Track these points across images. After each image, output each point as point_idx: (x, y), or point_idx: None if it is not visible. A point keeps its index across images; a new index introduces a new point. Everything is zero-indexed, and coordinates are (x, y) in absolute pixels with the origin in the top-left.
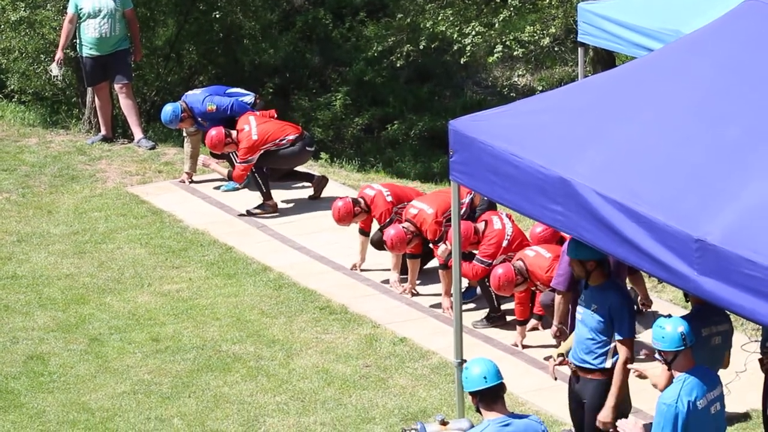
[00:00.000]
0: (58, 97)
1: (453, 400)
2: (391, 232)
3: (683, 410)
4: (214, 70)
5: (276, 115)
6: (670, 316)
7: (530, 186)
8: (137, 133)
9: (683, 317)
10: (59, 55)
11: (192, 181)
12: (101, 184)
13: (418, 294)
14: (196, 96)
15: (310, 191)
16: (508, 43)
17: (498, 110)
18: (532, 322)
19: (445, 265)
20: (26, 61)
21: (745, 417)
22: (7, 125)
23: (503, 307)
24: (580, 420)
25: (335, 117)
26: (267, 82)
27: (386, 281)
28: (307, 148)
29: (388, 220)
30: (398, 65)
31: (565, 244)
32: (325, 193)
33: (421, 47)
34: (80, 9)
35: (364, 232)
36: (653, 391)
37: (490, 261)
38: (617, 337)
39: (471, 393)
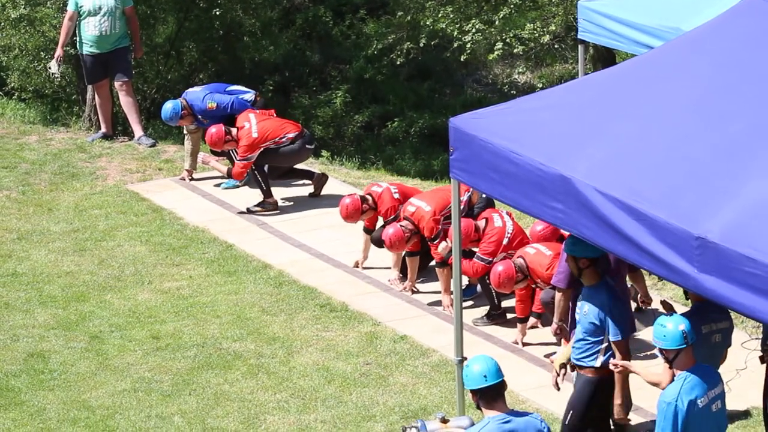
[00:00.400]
0: (59, 95)
1: (453, 398)
2: (389, 231)
3: (683, 408)
4: (214, 68)
5: (275, 114)
6: (671, 314)
7: (530, 183)
8: (137, 130)
9: (683, 315)
10: (59, 52)
11: (192, 179)
12: (101, 181)
13: (418, 291)
14: (196, 93)
15: (311, 189)
16: (508, 40)
17: (498, 108)
18: (532, 319)
19: (443, 263)
20: (26, 58)
21: (745, 414)
22: (8, 123)
23: (504, 304)
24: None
25: (335, 114)
26: (267, 80)
27: (386, 278)
28: (307, 146)
29: (392, 216)
30: (398, 63)
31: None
32: (326, 190)
33: (422, 45)
34: (80, 6)
35: (369, 230)
36: (654, 389)
37: (490, 259)
38: (609, 338)
39: (472, 391)
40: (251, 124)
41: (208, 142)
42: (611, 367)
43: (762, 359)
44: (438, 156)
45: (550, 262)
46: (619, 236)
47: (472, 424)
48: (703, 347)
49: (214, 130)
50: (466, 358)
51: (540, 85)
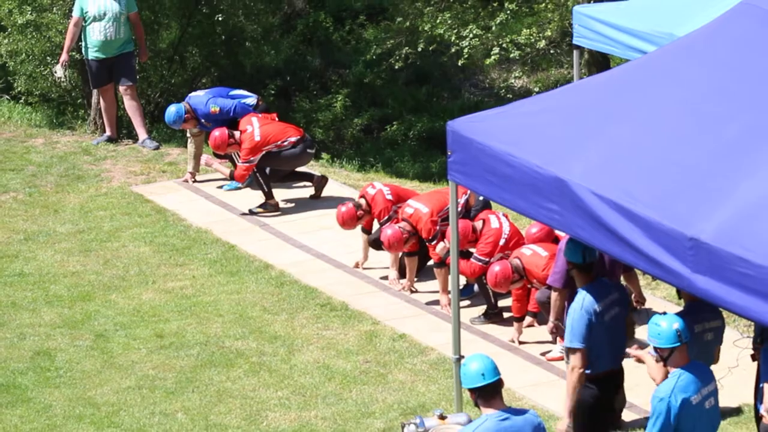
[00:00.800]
0: (64, 99)
1: (451, 395)
2: (387, 232)
3: (676, 405)
4: (216, 73)
5: (277, 117)
6: (665, 313)
7: (527, 185)
8: (142, 133)
9: (677, 314)
10: (64, 57)
11: (195, 181)
12: (106, 183)
13: (416, 291)
14: (199, 98)
15: (311, 191)
16: (504, 45)
17: (495, 111)
18: (528, 319)
19: (441, 263)
20: (33, 63)
21: (737, 411)
22: (15, 126)
23: (500, 303)
24: None
25: (335, 118)
26: (269, 84)
27: (385, 278)
28: (308, 150)
29: (386, 217)
30: (397, 67)
31: (561, 243)
32: (326, 192)
33: (420, 50)
34: (85, 12)
35: (367, 231)
36: (647, 387)
37: (487, 259)
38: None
39: (470, 389)
40: (254, 128)
41: (212, 145)
42: (632, 359)
43: (753, 357)
44: (436, 159)
45: (546, 262)
46: (614, 237)
47: (470, 421)
48: (695, 346)
49: (218, 133)
50: (463, 356)
51: (536, 90)
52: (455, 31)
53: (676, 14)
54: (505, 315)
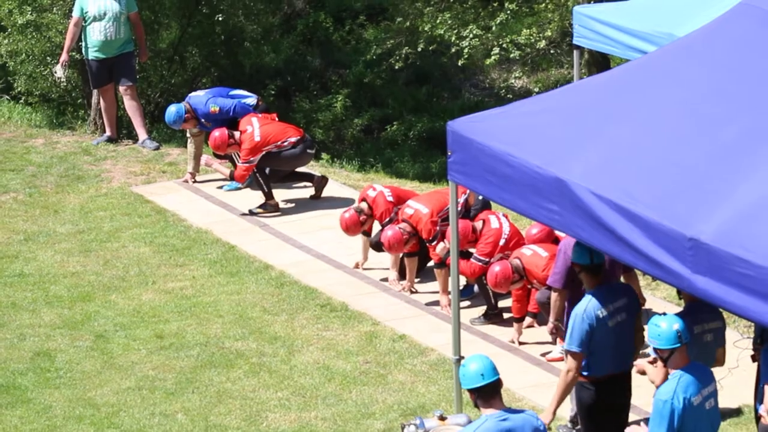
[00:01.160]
0: (64, 99)
1: (451, 396)
2: (388, 233)
3: (679, 406)
4: (216, 73)
5: (277, 118)
6: (665, 314)
7: (527, 186)
8: (142, 134)
9: (677, 314)
10: (64, 57)
11: (195, 181)
12: (106, 183)
13: (416, 292)
14: (199, 97)
15: (311, 191)
16: (504, 45)
17: (495, 111)
18: (528, 319)
19: (442, 264)
20: (33, 63)
21: (737, 412)
22: (15, 126)
23: (500, 304)
24: None
25: (335, 118)
26: (269, 84)
27: (385, 279)
28: (308, 151)
29: (387, 219)
30: (397, 67)
31: (561, 243)
32: (326, 192)
33: (420, 50)
34: (86, 12)
35: (367, 232)
36: (648, 387)
37: (487, 259)
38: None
39: (469, 390)
40: (254, 128)
41: (212, 146)
42: (634, 370)
43: (753, 358)
44: (436, 159)
45: (546, 263)
46: (614, 237)
47: (470, 422)
48: (694, 347)
49: (218, 133)
50: (463, 357)
51: (536, 90)
52: (455, 31)
53: (676, 14)
54: (505, 315)
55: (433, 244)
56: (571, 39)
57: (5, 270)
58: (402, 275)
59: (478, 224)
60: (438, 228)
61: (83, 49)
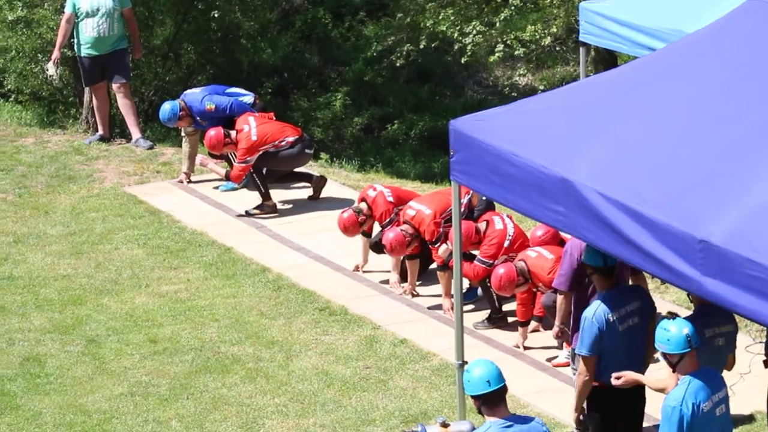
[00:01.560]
0: (55, 97)
1: (454, 402)
2: (389, 235)
3: (688, 413)
4: (212, 70)
5: (275, 117)
6: (674, 317)
7: (531, 186)
8: (135, 132)
9: (686, 318)
10: (56, 54)
11: (190, 181)
12: (98, 184)
13: (418, 295)
14: (195, 95)
15: (309, 191)
16: (509, 42)
17: (499, 110)
18: (533, 323)
19: (444, 266)
20: (23, 60)
21: (750, 419)
22: (4, 125)
23: (504, 308)
24: None
25: (335, 117)
26: (266, 82)
27: (386, 282)
28: (306, 151)
29: (387, 220)
30: (398, 65)
31: (567, 244)
32: (325, 193)
33: (422, 47)
34: (78, 8)
35: (366, 233)
36: (656, 393)
37: (491, 261)
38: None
39: (474, 396)
40: (251, 127)
41: (207, 145)
42: (613, 381)
43: (766, 363)
44: (438, 158)
45: (552, 266)
46: (621, 239)
47: (473, 429)
48: (705, 351)
49: (213, 132)
50: (466, 362)
51: (541, 88)
52: (458, 27)
53: (685, 11)
54: (510, 319)
55: (436, 245)
56: (577, 35)
57: None
58: (403, 278)
59: (482, 225)
60: (441, 229)
61: (75, 46)
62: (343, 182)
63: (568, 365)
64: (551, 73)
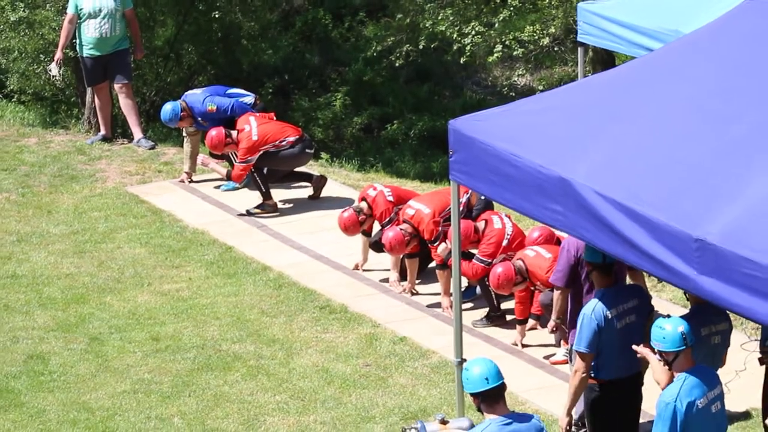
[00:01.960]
0: (58, 97)
1: (453, 399)
2: (389, 234)
3: (682, 410)
4: (213, 71)
5: (275, 117)
6: (669, 316)
7: (530, 186)
8: (137, 132)
9: (682, 317)
10: (58, 55)
11: (192, 181)
12: (101, 183)
13: (417, 293)
14: (196, 96)
15: (310, 191)
16: (507, 43)
17: (498, 110)
18: (531, 321)
19: (443, 265)
20: (26, 61)
21: (745, 416)
22: (7, 125)
23: (503, 306)
24: None
25: (335, 117)
26: (266, 83)
27: (385, 280)
28: (307, 150)
29: (387, 219)
30: (398, 65)
31: (564, 241)
32: (325, 192)
33: (421, 47)
34: (80, 9)
35: (366, 232)
36: (652, 390)
37: (489, 260)
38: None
39: (473, 394)
40: (251, 127)
41: (209, 145)
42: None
43: (761, 361)
44: (437, 158)
45: (550, 264)
46: (619, 238)
47: (472, 426)
48: (702, 349)
49: (215, 132)
50: (465, 360)
51: (540, 88)
52: (457, 28)
53: (682, 11)
54: (508, 318)
55: (435, 244)
56: (576, 36)
57: None
58: (403, 276)
59: (481, 225)
60: (440, 228)
61: (77, 47)
62: (343, 182)
63: (566, 363)
64: (550, 74)
